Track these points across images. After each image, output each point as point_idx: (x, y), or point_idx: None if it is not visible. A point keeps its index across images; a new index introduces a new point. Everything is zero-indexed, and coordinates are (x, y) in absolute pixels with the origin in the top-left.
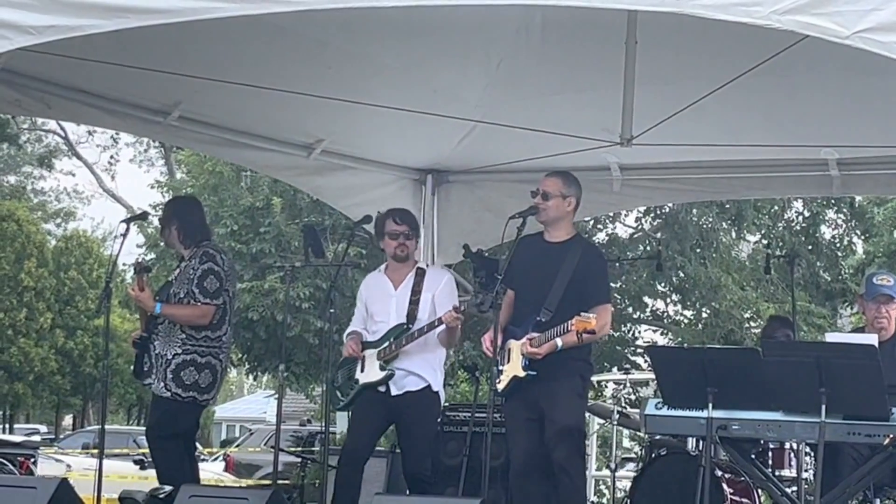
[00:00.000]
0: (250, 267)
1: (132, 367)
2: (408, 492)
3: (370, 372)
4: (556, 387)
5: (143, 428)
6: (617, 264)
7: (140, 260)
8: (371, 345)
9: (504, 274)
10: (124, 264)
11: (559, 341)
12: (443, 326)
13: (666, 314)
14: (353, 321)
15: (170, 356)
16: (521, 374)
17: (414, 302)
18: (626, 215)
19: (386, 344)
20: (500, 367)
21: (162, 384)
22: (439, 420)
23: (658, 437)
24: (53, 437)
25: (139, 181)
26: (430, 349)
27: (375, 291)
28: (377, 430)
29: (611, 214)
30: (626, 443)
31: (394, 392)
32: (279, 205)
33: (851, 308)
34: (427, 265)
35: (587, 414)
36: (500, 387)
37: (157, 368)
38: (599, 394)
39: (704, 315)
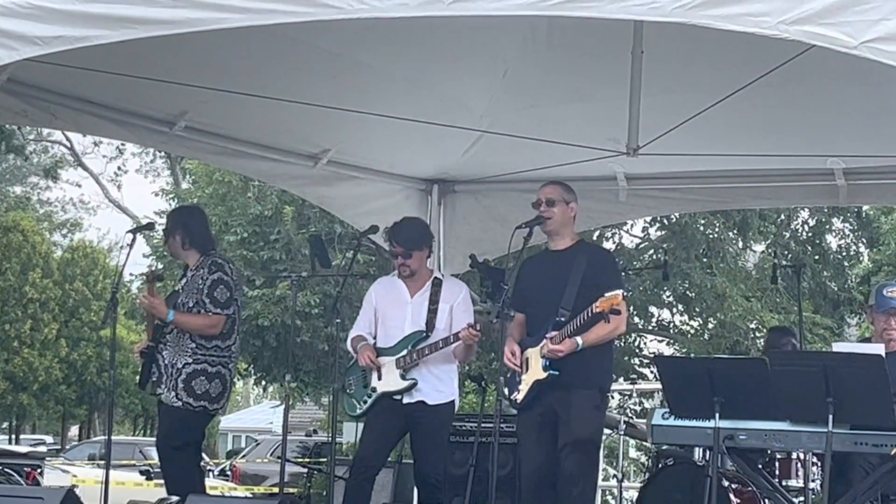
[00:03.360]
0: (260, 274)
1: (137, 378)
2: (416, 495)
3: (389, 380)
4: (573, 397)
5: (149, 438)
6: (623, 274)
7: (153, 268)
8: (386, 351)
9: (512, 297)
10: (131, 275)
11: (580, 340)
12: (460, 342)
13: (672, 324)
14: (358, 323)
15: (180, 365)
16: (543, 375)
17: (432, 311)
18: (632, 225)
19: (405, 352)
20: (519, 379)
21: (173, 394)
22: None
23: (665, 447)
24: (59, 447)
25: (145, 192)
26: (447, 359)
27: (388, 297)
28: (391, 440)
29: (616, 224)
30: (633, 453)
31: (410, 399)
32: (290, 213)
33: (859, 317)
34: (443, 275)
35: None
36: (520, 397)
37: (168, 378)
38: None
39: (710, 325)
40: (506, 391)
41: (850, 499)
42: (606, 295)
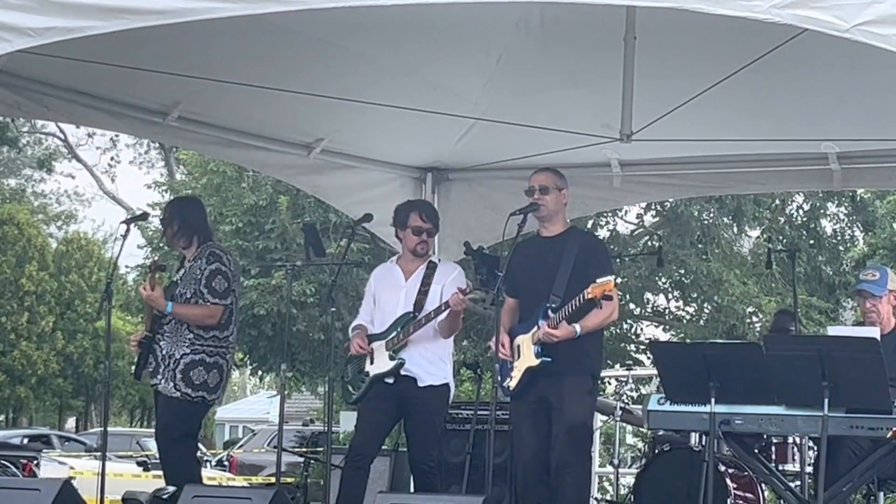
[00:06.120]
0: (255, 264)
1: (133, 368)
2: (412, 483)
3: (380, 363)
4: (565, 383)
5: (147, 430)
6: (618, 260)
7: (156, 258)
8: (378, 336)
9: (504, 281)
10: (126, 266)
11: (577, 327)
12: (444, 314)
13: (668, 310)
14: (361, 313)
15: (178, 356)
16: (535, 362)
17: (423, 293)
18: (626, 212)
19: (394, 334)
20: (511, 366)
21: (171, 384)
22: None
23: (661, 432)
24: None
25: (139, 183)
26: (439, 340)
27: (385, 282)
28: (385, 428)
29: (611, 210)
30: (630, 439)
31: (401, 382)
32: (285, 203)
33: (855, 301)
34: (439, 259)
35: None
36: (513, 384)
37: (166, 369)
38: (602, 390)
39: (706, 310)
40: (498, 378)
41: (846, 482)
42: (598, 281)
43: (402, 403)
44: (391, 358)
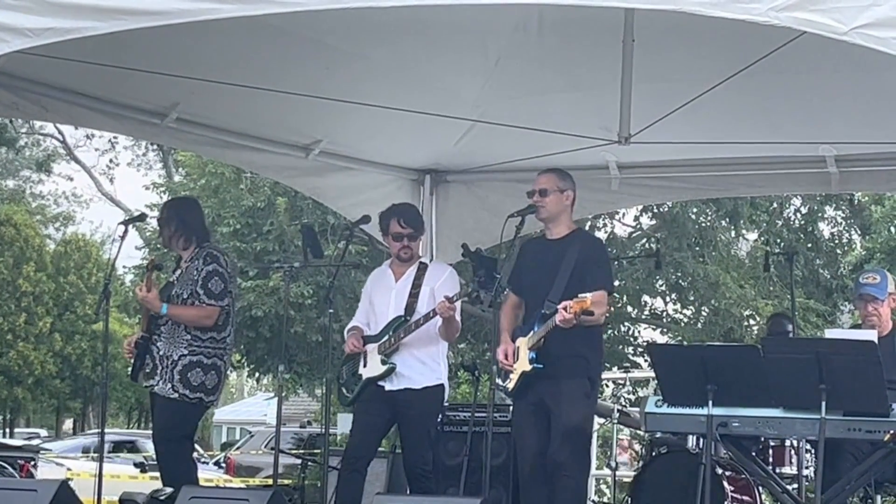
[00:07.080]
0: (253, 265)
1: (130, 369)
2: (408, 488)
3: (372, 366)
4: (563, 386)
5: (145, 431)
6: (615, 263)
7: (153, 258)
8: (372, 339)
9: (509, 278)
10: (124, 267)
11: (556, 319)
12: (440, 320)
13: (665, 313)
14: (356, 315)
15: (175, 357)
16: (528, 367)
17: (413, 295)
18: (623, 214)
19: (386, 337)
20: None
21: (169, 385)
22: (440, 419)
23: (658, 435)
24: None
25: (137, 184)
26: (432, 341)
27: (378, 284)
28: (380, 429)
29: (608, 213)
30: (627, 442)
31: (395, 386)
32: (283, 204)
33: (855, 305)
34: (430, 260)
35: None
36: (511, 386)
37: (163, 370)
38: (599, 393)
39: (704, 313)
40: (499, 381)
41: (843, 485)
42: (579, 296)
43: (394, 407)
44: (383, 362)
